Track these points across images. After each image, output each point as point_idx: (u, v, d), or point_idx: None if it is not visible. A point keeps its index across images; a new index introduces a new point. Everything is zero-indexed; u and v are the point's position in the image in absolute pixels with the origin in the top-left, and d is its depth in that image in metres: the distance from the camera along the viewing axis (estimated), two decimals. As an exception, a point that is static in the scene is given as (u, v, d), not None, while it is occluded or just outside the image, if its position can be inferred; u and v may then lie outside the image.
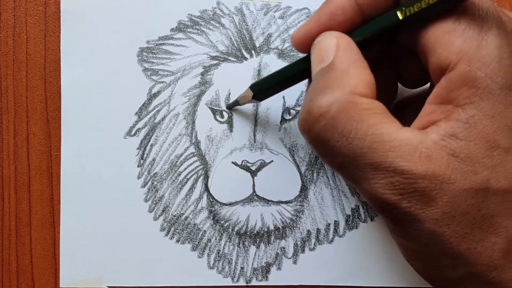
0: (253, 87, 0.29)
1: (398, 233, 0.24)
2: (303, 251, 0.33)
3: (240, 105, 0.32)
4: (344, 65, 0.22)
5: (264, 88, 0.29)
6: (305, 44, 0.25)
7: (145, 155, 0.33)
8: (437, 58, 0.22)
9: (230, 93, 0.33)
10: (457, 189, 0.21)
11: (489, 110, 0.21)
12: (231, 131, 0.33)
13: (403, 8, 0.23)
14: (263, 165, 0.33)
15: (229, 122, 0.33)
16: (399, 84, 0.29)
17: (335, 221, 0.33)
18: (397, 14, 0.23)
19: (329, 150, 0.22)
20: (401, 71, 0.28)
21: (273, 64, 0.33)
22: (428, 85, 0.28)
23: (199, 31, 0.33)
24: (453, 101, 0.21)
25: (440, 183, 0.21)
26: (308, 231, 0.33)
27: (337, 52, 0.23)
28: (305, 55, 0.26)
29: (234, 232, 0.33)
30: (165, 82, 0.33)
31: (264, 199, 0.33)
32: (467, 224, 0.21)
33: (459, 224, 0.21)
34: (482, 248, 0.21)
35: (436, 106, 0.22)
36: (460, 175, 0.21)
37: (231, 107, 0.33)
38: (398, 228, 0.23)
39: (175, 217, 0.33)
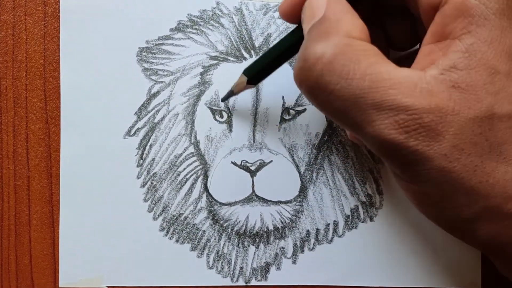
0: (246, 71, 0.29)
1: (406, 178, 0.23)
2: (302, 251, 0.33)
3: (234, 94, 0.31)
4: (336, 15, 0.22)
5: (257, 70, 0.29)
6: (294, 12, 0.25)
7: (144, 155, 0.33)
8: None
9: (229, 93, 0.33)
10: (462, 120, 0.20)
11: (486, 36, 0.21)
12: (230, 131, 0.33)
13: None
14: (262, 165, 0.33)
15: (229, 122, 0.33)
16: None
17: (334, 221, 0.33)
18: None
19: (327, 95, 0.22)
20: (390, 34, 0.28)
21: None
22: (417, 46, 0.28)
23: (198, 31, 0.33)
24: (450, 34, 0.21)
25: (444, 116, 0.20)
26: (308, 231, 0.33)
27: (328, 6, 0.23)
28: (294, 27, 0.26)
29: (234, 232, 0.33)
30: (164, 82, 0.33)
31: (263, 199, 0.33)
32: (476, 156, 0.21)
33: (468, 156, 0.21)
34: (494, 180, 0.21)
35: (433, 45, 0.22)
36: (464, 105, 0.20)
37: (226, 99, 0.32)
38: (406, 172, 0.22)
39: (175, 217, 0.33)
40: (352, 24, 0.22)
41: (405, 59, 0.27)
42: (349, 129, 0.23)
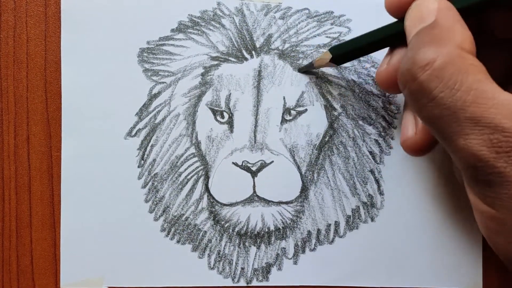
0: (332, 49, 0.29)
1: (485, 199, 0.23)
2: (303, 251, 0.33)
3: (314, 68, 0.32)
4: (448, 23, 0.23)
5: (344, 51, 0.29)
6: (400, 8, 0.26)
7: (145, 156, 0.33)
8: None
9: (230, 94, 0.33)
10: None
11: None
12: (231, 131, 0.33)
13: None
14: (263, 165, 0.33)
15: (230, 123, 0.33)
16: None
17: (335, 221, 0.33)
18: None
19: (429, 101, 0.22)
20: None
21: (274, 64, 0.33)
22: None
23: (199, 32, 0.33)
24: None
25: None
26: (309, 231, 0.33)
27: (439, 12, 0.23)
28: (392, 21, 0.27)
29: (235, 233, 0.33)
30: (165, 82, 0.33)
31: (264, 199, 0.33)
32: None
33: None
34: None
35: None
36: None
37: (303, 70, 0.33)
38: (487, 193, 0.22)
39: (176, 218, 0.33)
40: (463, 35, 0.23)
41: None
42: (439, 137, 0.23)
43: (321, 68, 0.33)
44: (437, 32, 0.23)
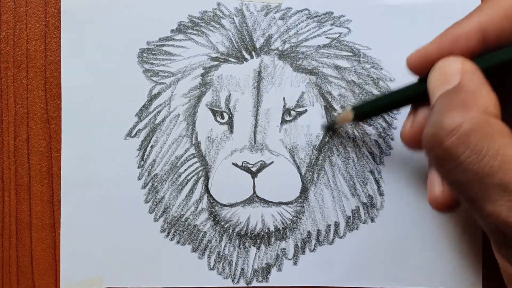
0: (355, 108, 0.30)
1: (510, 260, 0.23)
2: (303, 252, 0.33)
3: (336, 126, 0.33)
4: (473, 86, 0.23)
5: (367, 111, 0.30)
6: (423, 66, 0.26)
7: (145, 156, 0.33)
8: None
9: (230, 94, 0.33)
10: None
11: None
12: (231, 132, 0.33)
13: None
14: (263, 166, 0.33)
15: (230, 123, 0.33)
16: None
17: (335, 222, 0.33)
18: None
19: (456, 166, 0.22)
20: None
21: (274, 65, 0.33)
22: None
23: (199, 32, 0.33)
24: None
25: None
26: (309, 232, 0.33)
27: (464, 75, 0.23)
28: (413, 82, 0.27)
29: (235, 233, 0.33)
30: (165, 83, 0.33)
31: (264, 200, 0.33)
32: None
33: None
34: None
35: None
36: None
37: (326, 128, 0.33)
38: None
39: (176, 218, 0.33)
40: (489, 99, 0.23)
41: None
42: (466, 201, 0.23)
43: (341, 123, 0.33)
44: (462, 96, 0.23)
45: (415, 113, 0.28)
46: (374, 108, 0.29)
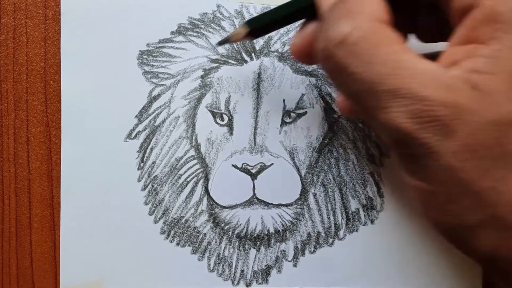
0: (249, 23, 0.28)
1: (413, 173, 0.22)
2: (303, 254, 0.33)
3: (231, 42, 0.31)
4: None
5: (262, 24, 0.28)
6: None
7: (145, 158, 0.33)
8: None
9: (230, 96, 0.33)
10: (479, 121, 0.20)
11: None
12: (231, 134, 0.33)
13: None
14: (263, 168, 0.33)
15: (229, 125, 0.33)
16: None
17: (335, 224, 0.33)
18: None
19: (347, 77, 0.22)
20: (415, 23, 0.27)
21: (273, 67, 0.33)
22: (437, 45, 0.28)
23: (199, 34, 0.33)
24: (476, 39, 0.21)
25: (460, 113, 0.20)
26: (309, 234, 0.33)
27: None
28: None
29: (234, 235, 0.33)
30: (165, 85, 0.33)
31: (264, 202, 0.33)
32: (488, 160, 0.20)
33: (480, 159, 0.20)
34: (503, 188, 0.20)
35: (459, 47, 0.22)
36: (482, 107, 0.20)
37: (221, 44, 0.32)
38: (413, 165, 0.22)
39: (175, 220, 0.33)
40: (376, 4, 0.22)
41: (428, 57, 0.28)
42: (363, 114, 0.23)
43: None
44: (348, 5, 0.22)
45: (305, 26, 0.27)
46: (268, 20, 0.28)
